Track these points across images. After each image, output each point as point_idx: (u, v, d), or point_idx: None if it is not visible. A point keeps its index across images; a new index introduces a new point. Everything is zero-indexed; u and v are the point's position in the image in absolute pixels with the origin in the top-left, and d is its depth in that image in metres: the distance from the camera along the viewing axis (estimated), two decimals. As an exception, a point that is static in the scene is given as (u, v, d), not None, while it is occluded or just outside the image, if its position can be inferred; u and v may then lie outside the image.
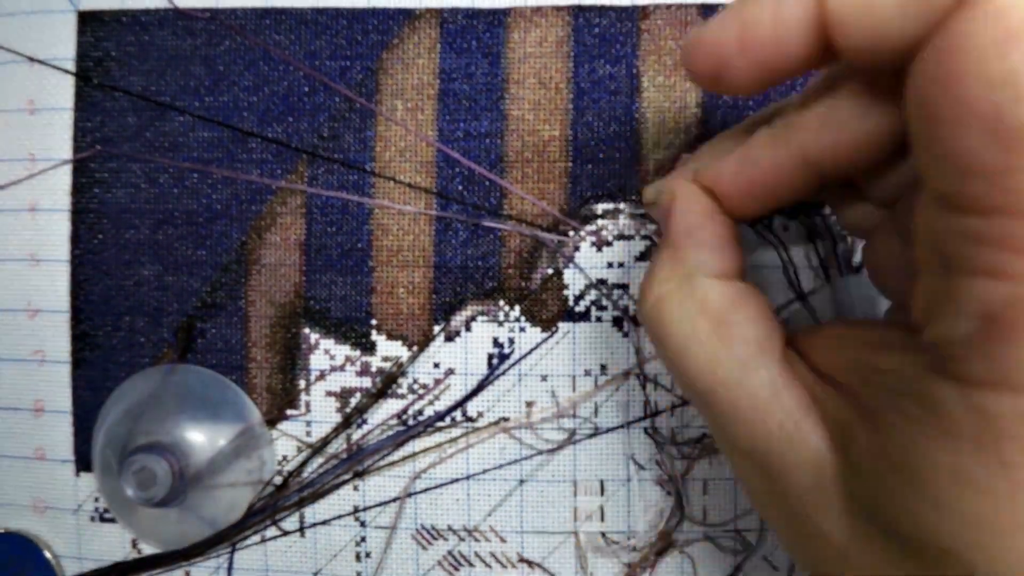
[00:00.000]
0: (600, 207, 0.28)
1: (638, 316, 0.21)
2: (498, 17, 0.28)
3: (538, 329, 0.28)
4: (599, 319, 0.28)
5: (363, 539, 0.28)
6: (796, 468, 0.17)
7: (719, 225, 0.20)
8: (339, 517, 0.28)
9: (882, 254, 0.21)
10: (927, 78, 0.14)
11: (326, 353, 0.28)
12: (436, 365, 0.28)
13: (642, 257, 0.28)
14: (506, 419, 0.28)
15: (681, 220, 0.20)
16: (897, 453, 0.15)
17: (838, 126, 0.18)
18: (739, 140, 0.20)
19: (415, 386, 0.28)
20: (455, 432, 0.28)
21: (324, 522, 0.29)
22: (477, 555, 0.28)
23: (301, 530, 0.29)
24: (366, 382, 0.28)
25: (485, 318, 0.28)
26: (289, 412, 0.29)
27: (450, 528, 0.28)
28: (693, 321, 0.19)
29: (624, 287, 0.28)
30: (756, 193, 0.20)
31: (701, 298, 0.19)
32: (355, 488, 0.28)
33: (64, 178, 0.29)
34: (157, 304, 0.29)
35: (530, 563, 0.28)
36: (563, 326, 0.28)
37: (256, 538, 0.29)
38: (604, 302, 0.28)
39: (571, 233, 0.28)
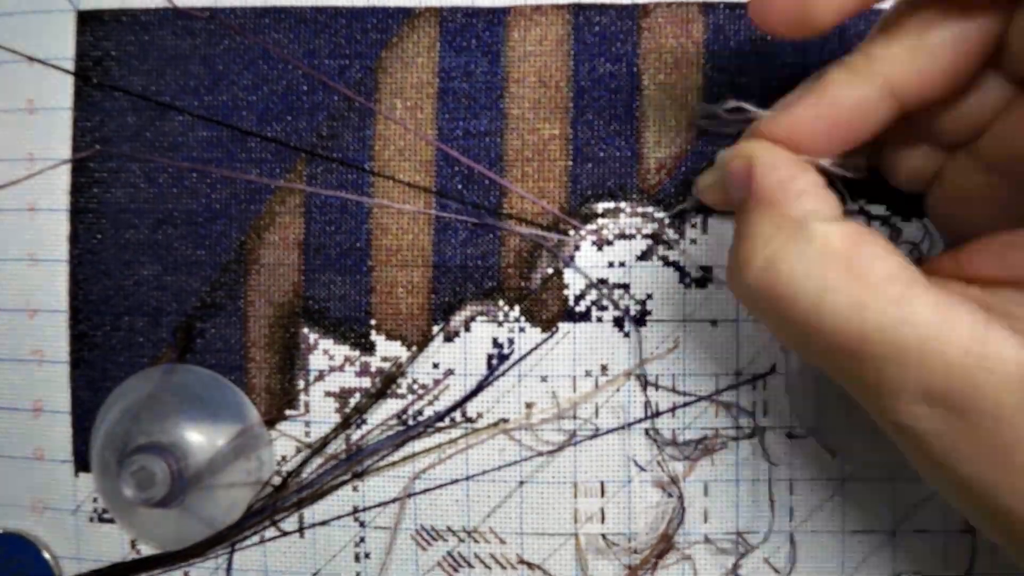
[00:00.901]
0: (600, 206, 0.28)
1: (736, 289, 0.19)
2: (498, 15, 0.28)
3: (538, 329, 0.28)
4: (599, 319, 0.28)
5: (362, 539, 0.28)
6: (995, 390, 0.15)
7: (810, 172, 0.19)
8: (338, 517, 0.28)
9: (957, 191, 0.21)
10: None
11: (325, 353, 0.28)
12: (435, 365, 0.28)
13: (643, 256, 0.28)
14: (506, 420, 0.28)
15: (770, 174, 0.19)
16: None
17: (930, 52, 0.18)
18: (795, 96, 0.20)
19: (414, 386, 0.28)
20: (455, 433, 0.28)
21: (323, 522, 0.28)
22: (477, 556, 0.28)
23: (300, 530, 0.28)
24: (365, 382, 0.28)
25: (485, 318, 0.28)
26: (288, 412, 0.29)
27: (449, 529, 0.28)
28: (822, 269, 0.17)
29: (625, 287, 0.28)
30: (838, 134, 0.19)
31: (822, 244, 0.17)
32: (354, 488, 0.28)
33: (63, 178, 0.29)
34: (156, 304, 0.29)
35: (530, 565, 0.28)
36: (563, 326, 0.28)
37: (255, 538, 0.29)
38: (605, 302, 0.28)
39: (571, 232, 0.28)
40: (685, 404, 0.28)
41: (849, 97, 0.19)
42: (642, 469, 0.28)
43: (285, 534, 0.29)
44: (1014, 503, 0.16)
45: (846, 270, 0.17)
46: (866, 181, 0.23)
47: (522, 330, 0.28)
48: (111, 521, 0.29)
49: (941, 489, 0.18)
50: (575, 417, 0.28)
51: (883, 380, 0.17)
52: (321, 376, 0.28)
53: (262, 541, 0.29)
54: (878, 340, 0.16)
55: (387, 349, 0.28)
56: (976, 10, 0.17)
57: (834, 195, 0.19)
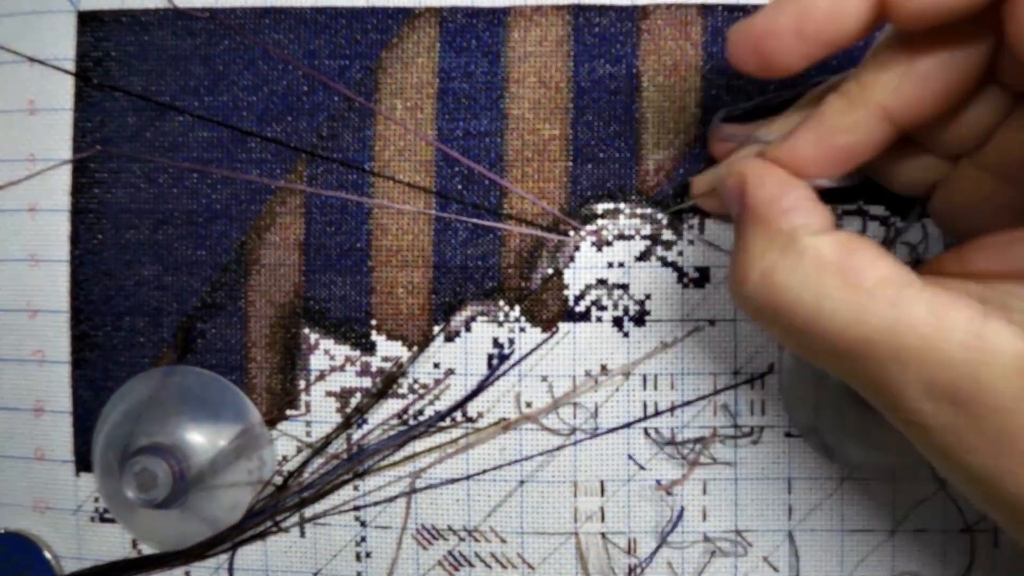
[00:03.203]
0: (600, 207, 0.28)
1: (739, 303, 0.20)
2: (498, 16, 0.28)
3: (538, 329, 0.28)
4: (599, 319, 0.28)
5: (363, 539, 0.28)
6: (994, 382, 0.16)
7: (801, 188, 0.20)
8: (339, 514, 0.28)
9: (961, 196, 0.21)
10: None
11: (326, 353, 0.28)
12: (436, 365, 0.28)
13: (642, 257, 0.28)
14: (506, 420, 0.28)
15: (760, 192, 0.20)
16: None
17: (921, 78, 0.18)
18: (795, 120, 0.21)
19: (415, 386, 0.28)
20: (455, 432, 0.28)
21: (324, 522, 0.28)
22: (477, 555, 0.28)
23: (302, 530, 0.29)
24: (366, 382, 0.28)
25: (485, 318, 0.28)
26: (289, 412, 0.29)
27: (450, 528, 0.28)
28: (817, 279, 0.18)
29: (624, 287, 0.28)
30: (837, 159, 0.20)
31: (814, 255, 0.18)
32: (355, 488, 0.28)
33: (64, 178, 0.29)
34: (157, 304, 0.29)
35: (530, 564, 0.28)
36: (563, 326, 0.28)
37: (256, 538, 0.29)
38: (605, 302, 0.28)
39: (571, 233, 0.28)
40: (684, 403, 0.28)
41: (845, 124, 0.19)
42: (642, 468, 0.28)
43: (284, 531, 0.29)
44: (1019, 491, 0.16)
45: (840, 278, 0.17)
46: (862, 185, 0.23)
47: (522, 330, 0.28)
48: (112, 521, 0.29)
49: (953, 480, 0.18)
50: (575, 416, 0.28)
51: (888, 380, 0.17)
52: (322, 376, 0.28)
53: (263, 541, 0.29)
54: (878, 343, 0.17)
55: (388, 349, 0.28)
56: (964, 34, 0.18)
57: (825, 207, 0.19)
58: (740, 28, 0.19)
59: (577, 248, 0.28)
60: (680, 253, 0.28)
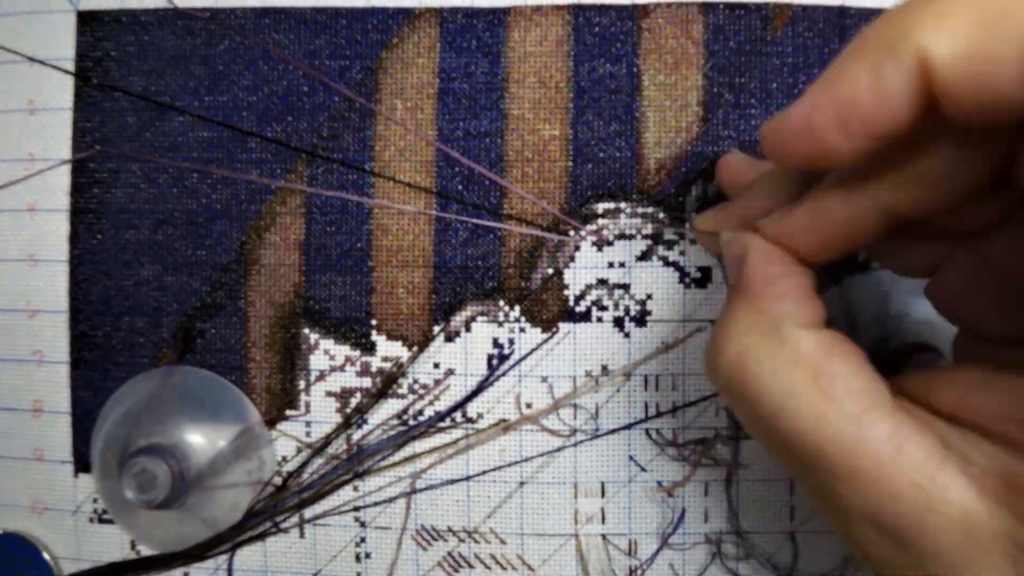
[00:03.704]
0: (600, 206, 0.28)
1: (710, 373, 0.19)
2: (498, 16, 0.28)
3: (538, 329, 0.28)
4: (600, 319, 0.28)
5: (363, 540, 0.28)
6: (937, 530, 0.15)
7: (800, 275, 0.19)
8: (339, 514, 0.28)
9: (960, 284, 0.20)
10: None
11: (326, 353, 0.28)
12: (436, 365, 0.28)
13: (643, 256, 0.28)
14: (506, 420, 0.28)
15: (760, 270, 0.19)
16: None
17: (925, 181, 0.17)
18: (795, 184, 0.20)
19: (415, 386, 0.28)
20: (455, 433, 0.28)
21: (324, 523, 0.28)
22: (477, 556, 0.28)
23: (301, 531, 0.28)
24: (366, 382, 0.28)
25: (485, 318, 0.28)
26: (289, 412, 0.29)
27: (450, 529, 0.28)
28: (789, 375, 0.17)
29: (625, 287, 0.28)
30: (832, 244, 0.19)
31: (793, 349, 0.17)
32: (355, 489, 0.28)
33: (63, 178, 0.29)
34: (156, 304, 0.29)
35: (530, 565, 0.28)
36: (563, 326, 0.28)
37: (256, 539, 0.29)
38: (605, 302, 0.28)
39: (571, 233, 0.28)
40: (685, 404, 0.28)
41: (841, 211, 0.18)
42: (643, 469, 0.28)
43: (284, 531, 0.28)
44: None
45: (812, 379, 0.17)
46: None
47: (522, 330, 0.28)
48: (111, 522, 0.29)
49: None
50: (575, 417, 0.28)
51: (836, 497, 0.16)
52: (322, 376, 0.28)
53: (263, 541, 0.29)
54: (833, 455, 0.16)
55: (388, 349, 0.28)
56: (971, 143, 0.16)
57: (819, 302, 0.19)
58: (773, 127, 0.17)
59: (577, 248, 0.28)
60: (682, 253, 0.28)
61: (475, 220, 0.28)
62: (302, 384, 0.29)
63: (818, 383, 0.17)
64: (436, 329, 0.28)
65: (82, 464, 0.29)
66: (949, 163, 0.16)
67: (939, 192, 0.17)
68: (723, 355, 0.18)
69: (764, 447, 0.19)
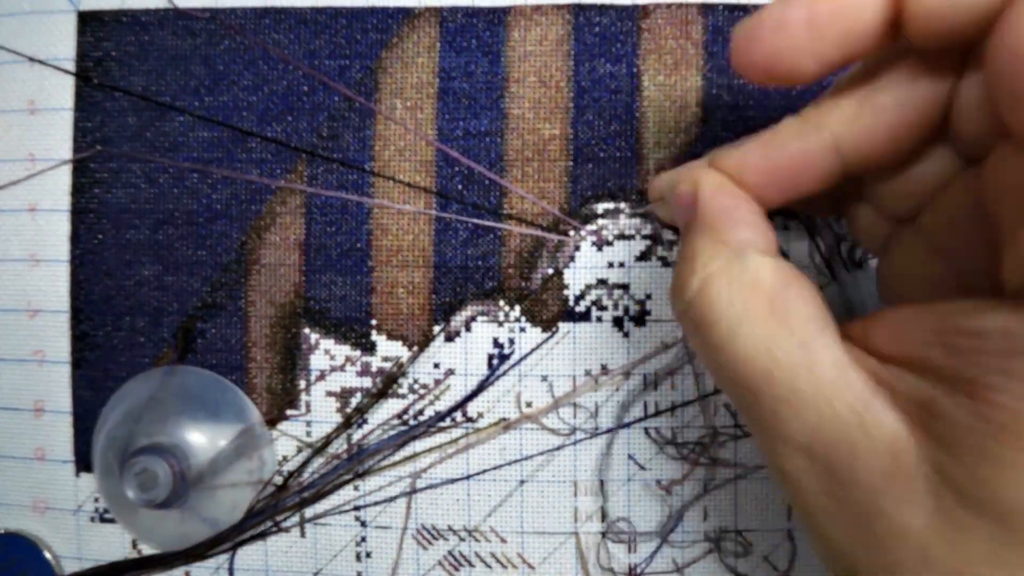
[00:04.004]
0: (600, 206, 0.28)
1: (675, 308, 0.20)
2: (498, 15, 0.28)
3: (538, 329, 0.28)
4: (599, 319, 0.28)
5: (363, 539, 0.28)
6: (868, 455, 0.16)
7: (754, 205, 0.20)
8: (340, 514, 0.28)
9: (902, 266, 0.21)
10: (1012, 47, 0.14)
11: (326, 353, 0.28)
12: (436, 365, 0.28)
13: (643, 257, 0.28)
14: (506, 420, 0.28)
15: (716, 201, 0.19)
16: (1007, 417, 0.14)
17: (875, 112, 0.18)
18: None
19: (415, 386, 0.28)
20: (455, 432, 0.28)
21: (324, 522, 0.28)
22: (477, 555, 0.28)
23: (302, 530, 0.29)
24: (366, 382, 0.28)
25: (485, 318, 0.28)
26: (289, 412, 0.29)
27: (450, 528, 0.28)
28: (746, 300, 0.18)
29: (625, 287, 0.28)
30: (780, 181, 0.19)
31: (753, 276, 0.18)
32: (355, 488, 0.28)
33: (64, 178, 0.29)
34: (157, 304, 0.29)
35: (530, 564, 0.28)
36: (563, 326, 0.28)
37: (257, 538, 0.29)
38: (605, 302, 0.28)
39: (571, 233, 0.28)
40: (685, 403, 0.28)
41: (794, 145, 0.19)
42: (642, 468, 0.28)
43: (285, 530, 0.29)
44: (872, 567, 0.16)
45: (768, 304, 0.17)
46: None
47: (522, 330, 0.28)
48: (112, 521, 0.29)
49: (813, 547, 0.18)
50: (575, 416, 0.28)
51: (776, 423, 0.17)
52: (322, 376, 0.28)
53: (263, 541, 0.29)
54: (778, 379, 0.17)
55: (388, 349, 0.28)
56: (923, 75, 0.17)
57: (773, 231, 0.19)
58: (746, 24, 0.18)
59: (577, 248, 0.28)
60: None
61: (475, 220, 0.28)
62: (302, 384, 0.29)
63: (774, 309, 0.17)
64: (436, 329, 0.28)
65: (83, 464, 0.29)
66: (901, 91, 0.17)
67: (885, 123, 0.18)
68: (687, 285, 0.19)
69: (712, 374, 0.19)
